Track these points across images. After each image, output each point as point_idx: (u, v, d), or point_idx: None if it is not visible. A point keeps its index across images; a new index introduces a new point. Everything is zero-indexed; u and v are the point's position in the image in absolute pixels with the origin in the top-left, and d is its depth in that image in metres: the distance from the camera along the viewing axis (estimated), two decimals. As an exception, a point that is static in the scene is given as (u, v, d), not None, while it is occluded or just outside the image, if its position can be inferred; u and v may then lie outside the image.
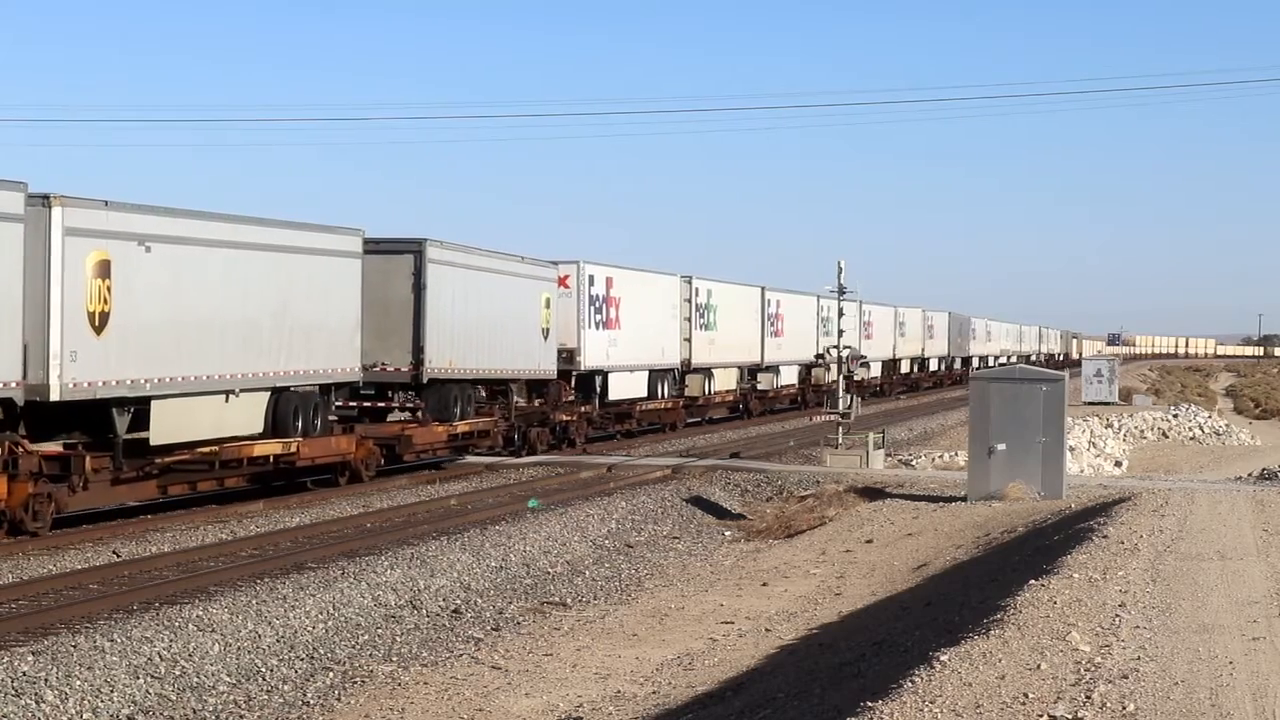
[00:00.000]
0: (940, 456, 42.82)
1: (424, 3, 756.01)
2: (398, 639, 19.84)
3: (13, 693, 15.34)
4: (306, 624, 19.60)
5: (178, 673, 16.97)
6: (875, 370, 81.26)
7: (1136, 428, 66.21)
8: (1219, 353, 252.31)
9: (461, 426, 36.48)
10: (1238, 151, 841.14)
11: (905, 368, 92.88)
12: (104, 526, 26.12)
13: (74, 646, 16.80)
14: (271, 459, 29.40)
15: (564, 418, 43.36)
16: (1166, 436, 66.37)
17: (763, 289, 63.55)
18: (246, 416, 28.83)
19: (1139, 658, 12.60)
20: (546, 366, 41.67)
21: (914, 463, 41.25)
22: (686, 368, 54.39)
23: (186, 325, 26.94)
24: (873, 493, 33.14)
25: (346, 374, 32.38)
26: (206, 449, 27.67)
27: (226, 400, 28.14)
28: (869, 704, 11.15)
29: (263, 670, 17.73)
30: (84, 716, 15.41)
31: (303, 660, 18.34)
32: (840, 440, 39.49)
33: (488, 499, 32.31)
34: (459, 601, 22.45)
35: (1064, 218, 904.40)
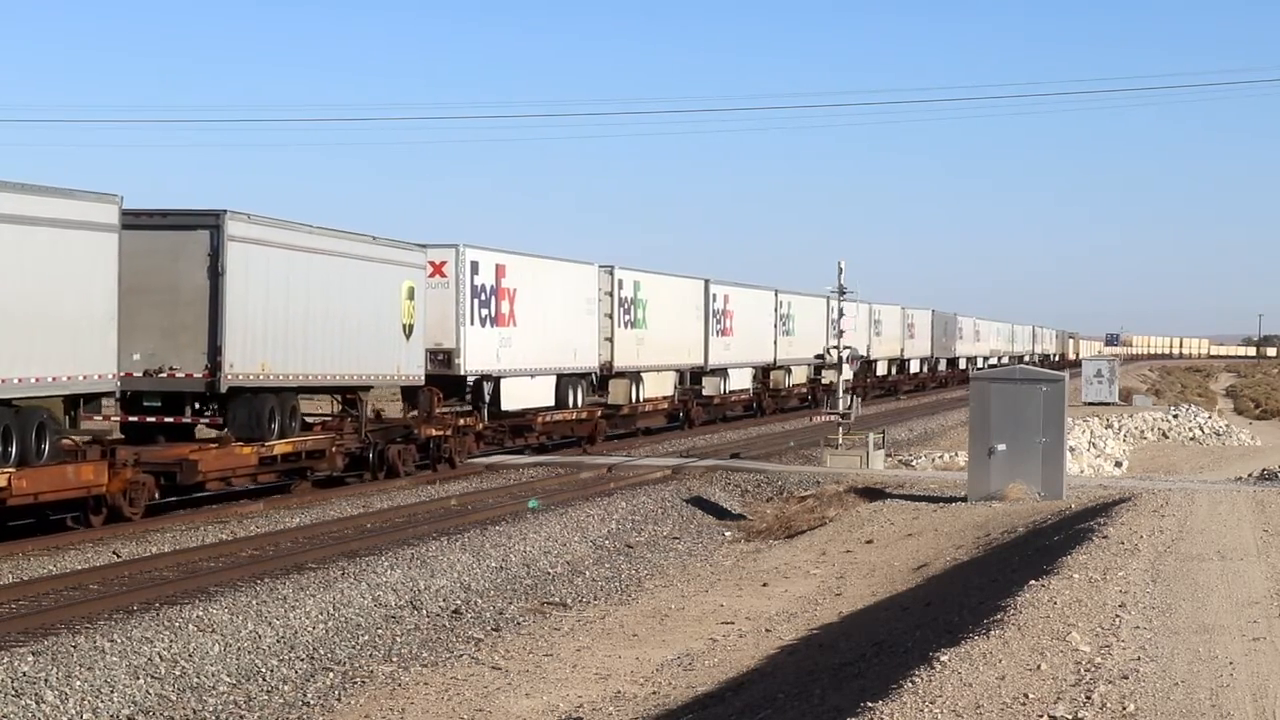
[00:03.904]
0: (940, 457, 42.84)
1: (419, 3, 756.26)
2: (398, 639, 19.85)
3: (13, 693, 15.35)
4: (306, 624, 19.62)
5: (178, 673, 16.99)
6: (847, 373, 76.75)
7: (1136, 428, 66.27)
8: (1213, 353, 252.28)
9: (280, 447, 29.66)
10: (1237, 151, 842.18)
11: (882, 370, 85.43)
12: (104, 527, 26.08)
13: (74, 646, 16.81)
14: None
15: (433, 432, 35.79)
16: (1166, 437, 66.48)
17: (706, 282, 56.05)
18: None
19: (1139, 658, 12.59)
20: (410, 371, 35.10)
21: (914, 463, 41.28)
22: (608, 371, 47.10)
23: None
24: (873, 493, 33.12)
25: (95, 381, 25.21)
26: None
27: None
28: (869, 704, 11.15)
29: (263, 670, 17.74)
30: (84, 716, 15.43)
31: (303, 660, 18.36)
32: (840, 441, 39.54)
33: (488, 499, 32.33)
34: (459, 602, 22.47)
35: (1062, 218, 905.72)
